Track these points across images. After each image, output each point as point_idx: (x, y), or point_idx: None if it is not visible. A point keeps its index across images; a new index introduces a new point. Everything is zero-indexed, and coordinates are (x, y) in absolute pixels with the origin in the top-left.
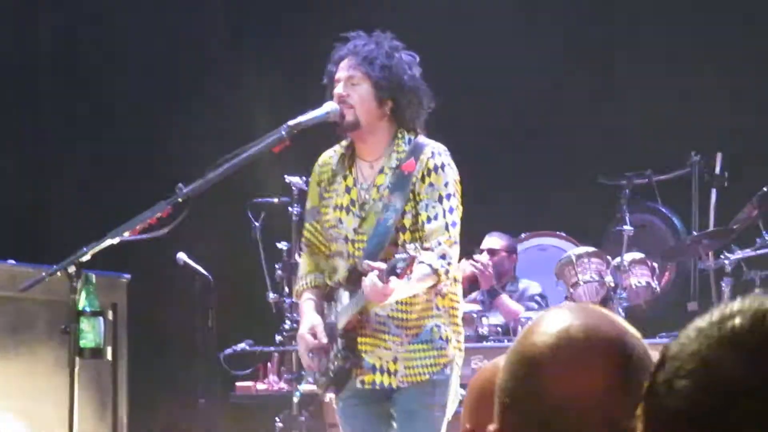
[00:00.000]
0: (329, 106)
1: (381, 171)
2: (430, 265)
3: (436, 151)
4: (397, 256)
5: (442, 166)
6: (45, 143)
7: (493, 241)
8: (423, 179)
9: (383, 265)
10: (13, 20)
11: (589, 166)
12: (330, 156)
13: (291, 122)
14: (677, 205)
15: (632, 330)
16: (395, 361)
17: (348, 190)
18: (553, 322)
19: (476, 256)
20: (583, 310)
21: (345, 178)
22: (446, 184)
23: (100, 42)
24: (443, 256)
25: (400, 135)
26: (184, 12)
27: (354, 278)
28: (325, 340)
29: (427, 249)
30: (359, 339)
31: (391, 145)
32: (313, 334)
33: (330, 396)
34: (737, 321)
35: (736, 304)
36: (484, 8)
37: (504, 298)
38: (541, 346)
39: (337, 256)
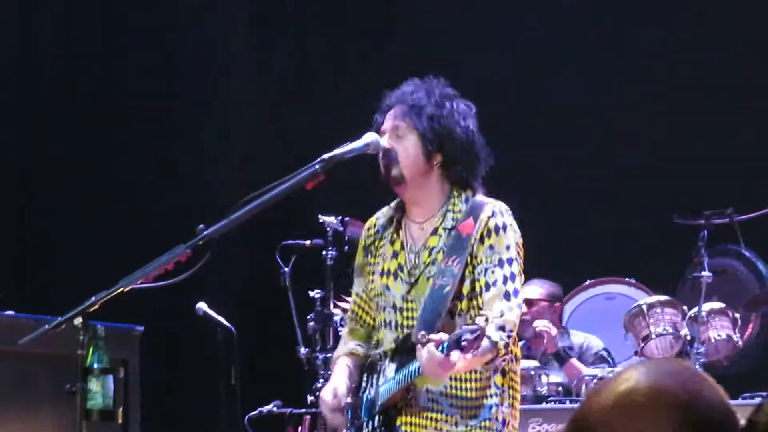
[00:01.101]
0: (369, 137)
1: (434, 232)
2: (489, 338)
3: (497, 210)
4: (465, 327)
5: (504, 227)
6: (47, 182)
7: (531, 290)
8: (482, 240)
9: (444, 336)
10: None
11: (663, 204)
12: (377, 218)
13: (326, 155)
14: (762, 248)
15: (711, 391)
16: None
17: (396, 254)
18: (620, 382)
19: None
20: (657, 367)
21: (392, 242)
22: (508, 248)
23: (117, 77)
24: (502, 328)
25: (456, 193)
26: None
27: (403, 350)
28: (344, 401)
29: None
30: (401, 418)
31: (445, 205)
32: (334, 395)
33: None
34: None
35: None
36: (550, 51)
37: (573, 361)
38: (601, 408)
39: (384, 327)
